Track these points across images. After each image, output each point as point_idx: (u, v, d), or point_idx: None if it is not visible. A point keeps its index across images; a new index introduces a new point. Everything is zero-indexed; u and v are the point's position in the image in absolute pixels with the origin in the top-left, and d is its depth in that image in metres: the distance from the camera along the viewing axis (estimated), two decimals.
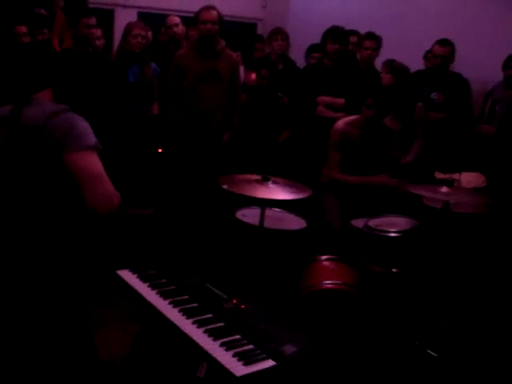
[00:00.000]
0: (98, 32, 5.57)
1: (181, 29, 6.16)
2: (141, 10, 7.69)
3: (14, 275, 2.50)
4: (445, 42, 5.49)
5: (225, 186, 3.43)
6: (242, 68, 6.00)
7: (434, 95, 5.48)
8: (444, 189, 3.77)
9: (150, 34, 5.99)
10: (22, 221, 2.50)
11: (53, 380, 2.57)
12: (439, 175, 4.67)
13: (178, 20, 6.18)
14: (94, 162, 2.47)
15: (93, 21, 5.15)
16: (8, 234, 2.51)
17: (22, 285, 2.51)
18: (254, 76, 5.81)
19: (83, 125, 2.51)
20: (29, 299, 2.52)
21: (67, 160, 2.43)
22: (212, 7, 5.30)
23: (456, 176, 4.59)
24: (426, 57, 6.05)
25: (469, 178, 4.68)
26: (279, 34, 6.34)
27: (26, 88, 2.89)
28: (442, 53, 5.48)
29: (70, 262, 2.59)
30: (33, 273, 2.51)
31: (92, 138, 2.50)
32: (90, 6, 6.17)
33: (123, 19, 6.88)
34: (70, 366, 2.62)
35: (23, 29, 5.28)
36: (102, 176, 2.47)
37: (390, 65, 5.26)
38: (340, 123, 4.54)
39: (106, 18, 7.21)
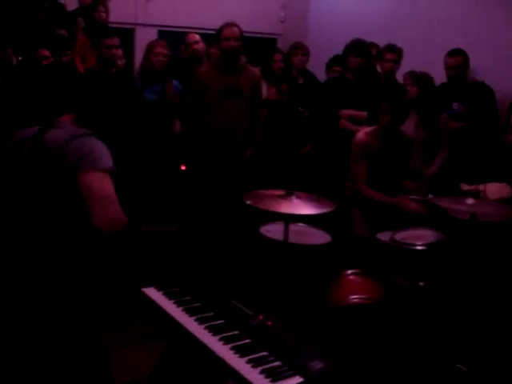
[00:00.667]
0: (119, 52, 5.63)
1: (201, 46, 6.20)
2: (161, 28, 7.75)
3: (26, 289, 2.53)
4: (454, 53, 5.47)
5: (249, 202, 3.42)
6: (264, 83, 6.01)
7: (454, 105, 5.45)
8: (470, 200, 3.73)
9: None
10: (35, 237, 2.55)
11: None
12: (465, 187, 4.63)
13: (197, 37, 6.22)
14: (105, 184, 2.51)
15: (115, 41, 5.17)
16: (20, 248, 2.56)
17: (34, 300, 2.54)
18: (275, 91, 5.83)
19: (101, 148, 2.57)
20: (40, 314, 2.54)
21: (80, 180, 2.48)
22: (234, 24, 5.34)
23: (481, 187, 4.55)
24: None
25: (494, 189, 4.63)
26: (300, 48, 6.36)
27: (50, 111, 2.95)
28: (454, 63, 5.46)
29: (81, 279, 2.60)
30: (44, 288, 2.53)
31: (108, 162, 2.55)
32: (111, 25, 6.23)
33: (143, 38, 6.95)
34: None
35: (45, 52, 5.35)
36: (110, 197, 2.50)
37: (415, 76, 5.24)
38: (360, 135, 4.51)
39: (127, 37, 7.28)
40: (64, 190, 2.51)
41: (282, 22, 8.63)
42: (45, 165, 2.54)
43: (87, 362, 2.66)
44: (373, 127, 4.54)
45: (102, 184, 2.49)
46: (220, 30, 5.36)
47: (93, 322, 2.70)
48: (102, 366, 2.73)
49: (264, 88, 5.94)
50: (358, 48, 5.51)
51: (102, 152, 2.56)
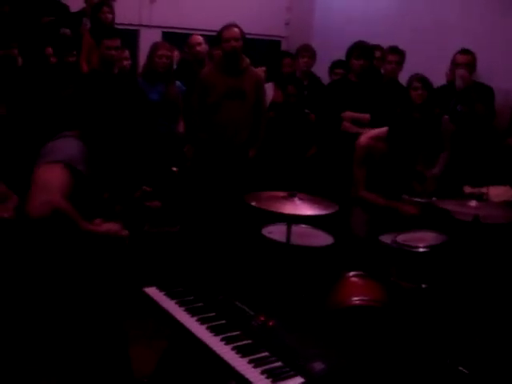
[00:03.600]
0: (126, 53, 5.64)
1: (204, 47, 6.21)
2: (165, 29, 7.76)
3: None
4: (466, 51, 5.47)
5: (251, 203, 3.42)
6: (271, 86, 6.01)
7: (459, 107, 5.44)
8: (473, 203, 3.72)
9: (176, 53, 6.05)
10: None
11: None
12: (468, 189, 4.62)
13: (200, 39, 6.23)
14: (47, 174, 2.64)
15: (115, 42, 5.16)
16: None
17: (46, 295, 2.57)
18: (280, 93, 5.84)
19: (65, 144, 2.73)
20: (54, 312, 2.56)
21: (34, 171, 2.65)
22: (234, 25, 5.35)
23: (484, 190, 4.54)
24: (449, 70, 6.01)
25: (497, 192, 4.62)
26: (307, 51, 6.37)
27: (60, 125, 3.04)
28: (464, 61, 5.45)
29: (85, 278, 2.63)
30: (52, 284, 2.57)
31: (62, 154, 2.67)
32: (115, 26, 6.25)
33: (148, 39, 6.95)
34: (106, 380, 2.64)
35: (50, 50, 5.37)
36: (46, 185, 2.60)
37: (425, 81, 5.23)
38: (363, 139, 4.49)
39: (131, 38, 7.29)
40: None
41: (287, 24, 8.63)
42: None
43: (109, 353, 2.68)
44: (377, 130, 4.52)
45: (44, 173, 2.62)
46: (220, 32, 5.38)
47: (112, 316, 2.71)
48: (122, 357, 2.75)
49: (271, 90, 5.94)
50: (361, 50, 5.50)
51: (64, 147, 2.69)
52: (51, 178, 2.61)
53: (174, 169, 4.66)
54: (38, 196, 2.56)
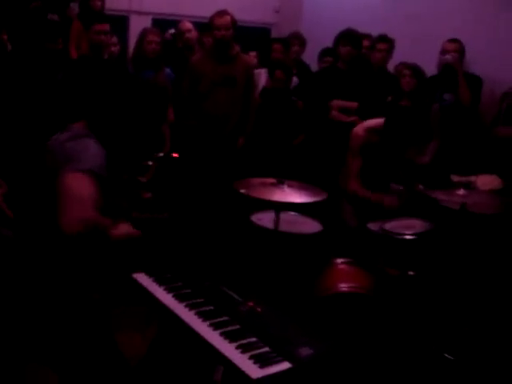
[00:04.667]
0: (114, 39, 5.61)
1: (193, 34, 6.19)
2: (155, 16, 7.73)
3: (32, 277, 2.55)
4: (454, 40, 5.49)
5: (240, 190, 3.43)
6: (263, 72, 5.99)
7: (446, 96, 5.46)
8: (461, 191, 3.75)
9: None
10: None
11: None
12: (456, 178, 4.65)
13: (190, 26, 6.20)
14: (79, 185, 2.50)
15: (104, 27, 5.15)
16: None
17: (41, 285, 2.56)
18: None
19: (88, 150, 2.58)
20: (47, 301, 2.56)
21: (60, 180, 2.49)
22: (225, 12, 5.33)
23: (472, 178, 4.57)
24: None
25: (485, 181, 4.65)
26: (297, 39, 6.36)
27: (63, 116, 2.99)
28: (453, 49, 5.47)
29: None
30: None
31: (89, 162, 2.54)
32: (105, 12, 6.21)
33: (138, 25, 6.91)
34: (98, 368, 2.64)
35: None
36: (80, 198, 2.49)
37: (414, 69, 5.23)
38: (360, 129, 4.48)
39: (121, 24, 7.26)
40: (47, 188, 2.55)
41: (277, 11, 8.62)
42: (46, 166, 2.60)
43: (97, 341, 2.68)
44: (373, 122, 4.49)
45: (75, 185, 2.49)
46: (211, 19, 5.36)
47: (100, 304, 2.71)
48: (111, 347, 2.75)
49: (263, 76, 5.92)
50: (349, 37, 5.50)
51: (88, 153, 2.56)
52: (83, 191, 2.49)
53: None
54: (74, 212, 2.45)
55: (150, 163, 3.88)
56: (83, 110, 2.78)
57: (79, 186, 2.50)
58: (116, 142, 2.74)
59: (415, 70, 5.25)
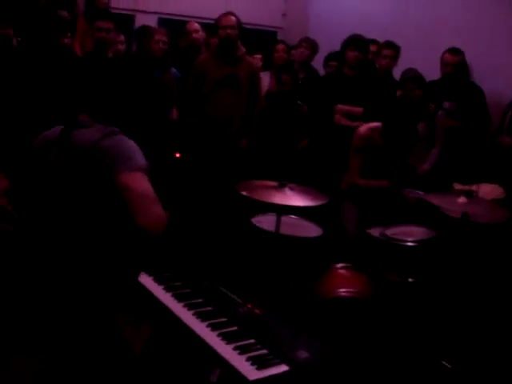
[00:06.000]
0: (121, 38, 5.62)
1: (200, 35, 6.19)
2: (161, 16, 7.74)
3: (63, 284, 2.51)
4: (455, 51, 5.48)
5: (242, 192, 3.43)
6: (267, 74, 5.99)
7: (445, 104, 5.46)
8: (462, 199, 3.74)
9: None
10: (73, 234, 2.51)
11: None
12: (458, 186, 4.64)
13: (197, 26, 6.21)
14: (144, 183, 2.46)
15: (106, 24, 5.14)
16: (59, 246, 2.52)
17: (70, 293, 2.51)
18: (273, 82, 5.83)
19: (133, 146, 2.53)
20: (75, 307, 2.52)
21: (119, 181, 2.43)
22: (231, 13, 5.37)
23: (474, 187, 4.56)
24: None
25: (487, 190, 4.65)
26: (304, 41, 6.36)
27: (70, 109, 2.93)
28: (453, 61, 5.47)
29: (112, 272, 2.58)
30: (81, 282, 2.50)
31: (141, 159, 2.50)
32: (111, 11, 6.23)
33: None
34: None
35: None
36: (152, 197, 2.46)
37: (417, 78, 5.20)
38: (363, 128, 4.52)
39: (127, 23, 7.26)
40: (100, 189, 2.47)
41: (284, 15, 8.63)
42: (77, 165, 2.49)
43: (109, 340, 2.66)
44: (376, 123, 4.51)
45: (141, 184, 2.45)
46: (217, 20, 5.39)
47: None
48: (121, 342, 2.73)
49: (267, 79, 5.93)
50: (356, 42, 5.50)
51: (134, 150, 2.51)
52: (150, 189, 2.46)
53: (178, 155, 4.66)
54: (155, 211, 2.43)
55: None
56: (86, 104, 2.74)
57: (146, 185, 2.46)
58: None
59: (420, 81, 5.21)
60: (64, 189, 2.51)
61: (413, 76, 5.25)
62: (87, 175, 2.47)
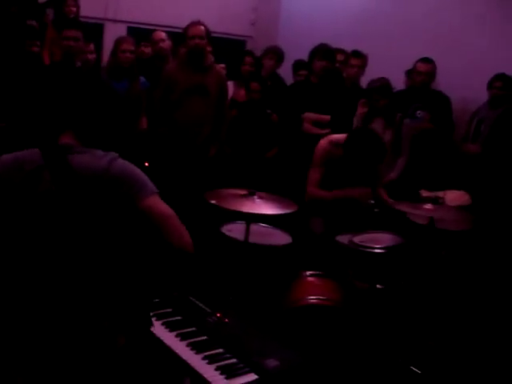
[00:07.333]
0: (90, 47, 5.58)
1: (167, 44, 6.18)
2: (130, 24, 7.71)
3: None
4: (427, 60, 5.56)
5: (211, 201, 3.44)
6: (231, 83, 6.02)
7: (418, 113, 5.53)
8: (428, 206, 3.80)
9: (148, 49, 6.07)
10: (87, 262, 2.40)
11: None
12: (424, 193, 4.70)
13: (164, 35, 6.18)
14: (165, 204, 2.47)
15: (74, 33, 5.06)
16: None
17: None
18: (243, 92, 5.84)
19: (139, 171, 2.51)
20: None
21: (145, 206, 2.40)
22: (199, 22, 5.36)
23: (441, 194, 4.63)
24: (408, 75, 6.08)
25: (453, 196, 4.72)
26: (274, 53, 6.39)
27: (50, 129, 2.84)
28: (425, 70, 5.55)
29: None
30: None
31: (151, 182, 2.49)
32: (80, 19, 6.19)
33: (113, 34, 6.89)
34: None
35: None
36: (176, 215, 2.47)
37: (383, 88, 5.20)
38: (323, 142, 4.48)
39: (96, 32, 7.22)
40: (121, 217, 2.41)
41: (253, 24, 8.66)
42: (86, 195, 2.35)
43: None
44: (339, 136, 4.48)
45: (163, 206, 2.45)
46: (186, 29, 5.38)
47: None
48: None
49: (230, 88, 5.95)
50: (323, 52, 5.54)
51: (143, 174, 2.49)
52: (171, 209, 2.46)
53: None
54: (185, 230, 2.45)
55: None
56: (68, 120, 2.64)
57: (166, 206, 2.46)
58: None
59: (386, 91, 5.22)
60: (71, 220, 2.36)
61: (377, 86, 5.27)
62: (103, 204, 2.38)
